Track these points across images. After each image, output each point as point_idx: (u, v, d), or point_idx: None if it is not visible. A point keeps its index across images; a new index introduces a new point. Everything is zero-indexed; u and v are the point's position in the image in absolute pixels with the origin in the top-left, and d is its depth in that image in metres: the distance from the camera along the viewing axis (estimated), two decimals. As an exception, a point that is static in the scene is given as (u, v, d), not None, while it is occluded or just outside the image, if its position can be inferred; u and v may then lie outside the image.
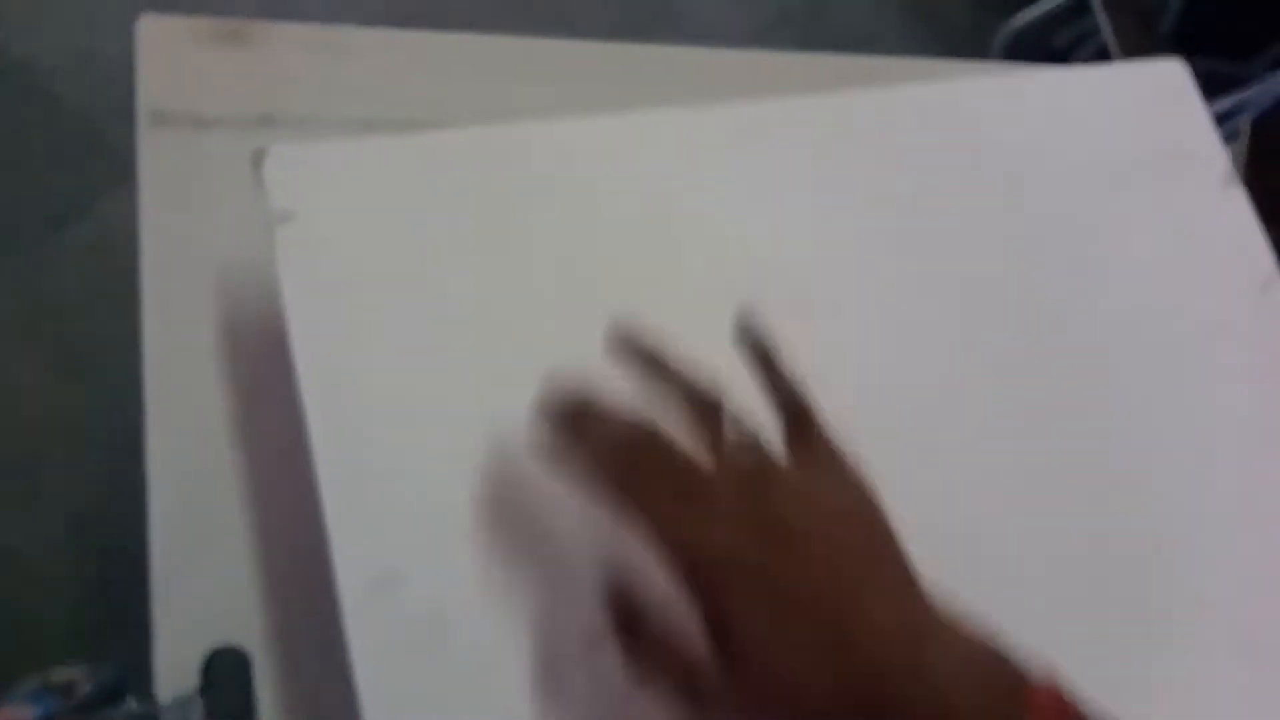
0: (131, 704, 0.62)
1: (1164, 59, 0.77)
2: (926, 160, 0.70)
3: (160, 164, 0.71)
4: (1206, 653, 0.63)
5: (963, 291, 0.68)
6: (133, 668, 0.63)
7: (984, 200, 0.70)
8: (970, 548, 0.59)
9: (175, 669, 0.60)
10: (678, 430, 0.50)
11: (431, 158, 0.63)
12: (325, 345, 0.57)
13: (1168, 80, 0.77)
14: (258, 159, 0.59)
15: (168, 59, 0.73)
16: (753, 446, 0.50)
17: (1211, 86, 1.85)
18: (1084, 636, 0.59)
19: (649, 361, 0.53)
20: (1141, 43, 1.94)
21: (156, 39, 0.73)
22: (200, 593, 0.64)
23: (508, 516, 0.57)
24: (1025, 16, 2.13)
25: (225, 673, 0.60)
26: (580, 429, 0.50)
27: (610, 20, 1.99)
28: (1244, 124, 1.79)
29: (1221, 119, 1.80)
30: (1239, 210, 0.72)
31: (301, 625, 0.64)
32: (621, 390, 0.54)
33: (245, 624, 0.62)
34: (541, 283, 0.62)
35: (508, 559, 0.55)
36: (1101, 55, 2.01)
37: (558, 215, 0.63)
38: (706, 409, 0.51)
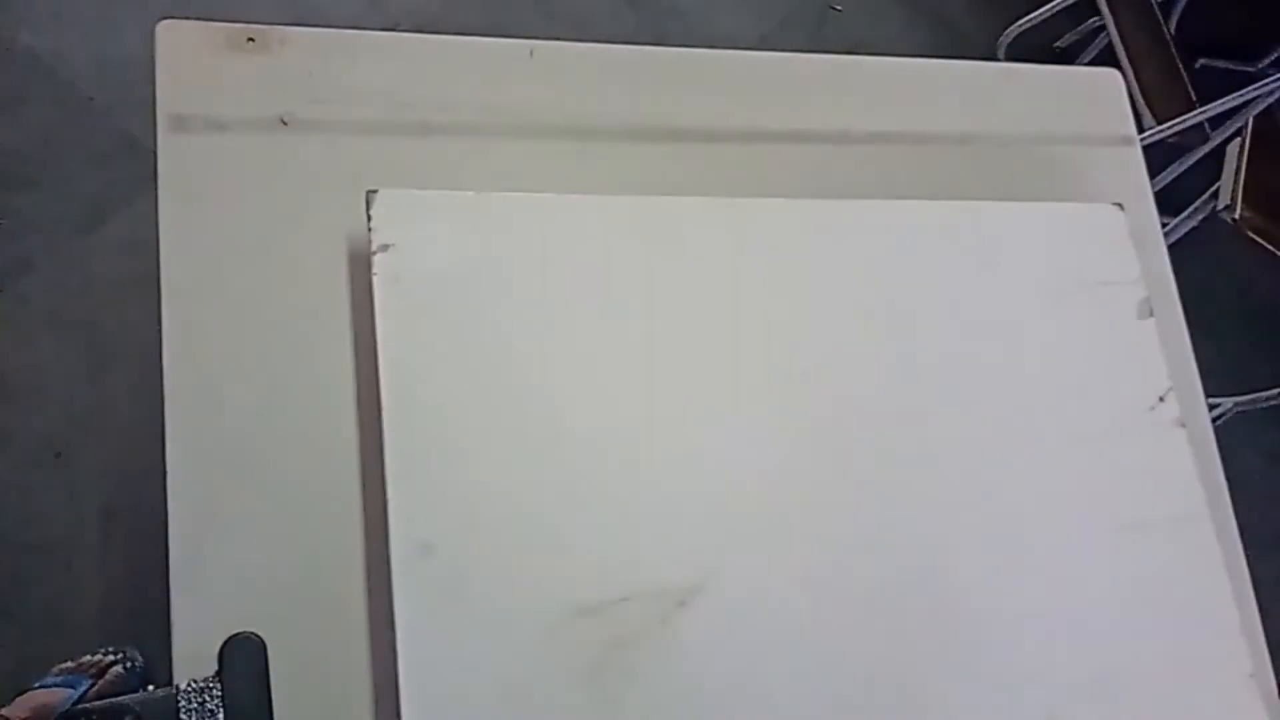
0: (150, 690, 0.63)
1: (1103, 205, 0.90)
2: (887, 271, 0.82)
3: (179, 166, 0.73)
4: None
5: (898, 379, 0.80)
6: (160, 649, 0.64)
7: (931, 308, 0.82)
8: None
9: (194, 656, 0.62)
10: None
11: (507, 214, 0.75)
12: (406, 351, 0.68)
13: (1106, 221, 0.89)
14: (369, 198, 0.71)
15: (186, 63, 0.75)
16: None
17: (1215, 85, 1.86)
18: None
19: None
20: (1147, 43, 1.95)
21: (175, 44, 0.74)
22: (218, 582, 0.65)
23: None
24: (1030, 19, 2.14)
25: (242, 659, 0.61)
26: None
27: (625, 26, 2.01)
28: (1246, 122, 1.79)
29: (1224, 117, 1.80)
30: (1147, 337, 0.86)
31: (315, 613, 0.66)
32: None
33: (262, 612, 0.63)
34: (563, 327, 0.73)
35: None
36: (1106, 56, 2.01)
37: (589, 278, 0.75)
38: None
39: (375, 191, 0.71)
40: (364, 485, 0.69)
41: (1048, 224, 0.88)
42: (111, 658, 1.19)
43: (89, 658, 1.19)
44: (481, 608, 0.66)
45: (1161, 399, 0.84)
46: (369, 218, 0.70)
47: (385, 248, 0.70)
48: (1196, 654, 0.77)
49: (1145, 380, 0.84)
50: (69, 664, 1.18)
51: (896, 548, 0.75)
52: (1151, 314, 0.86)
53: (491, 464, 0.69)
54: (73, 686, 1.09)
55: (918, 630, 0.73)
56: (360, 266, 0.72)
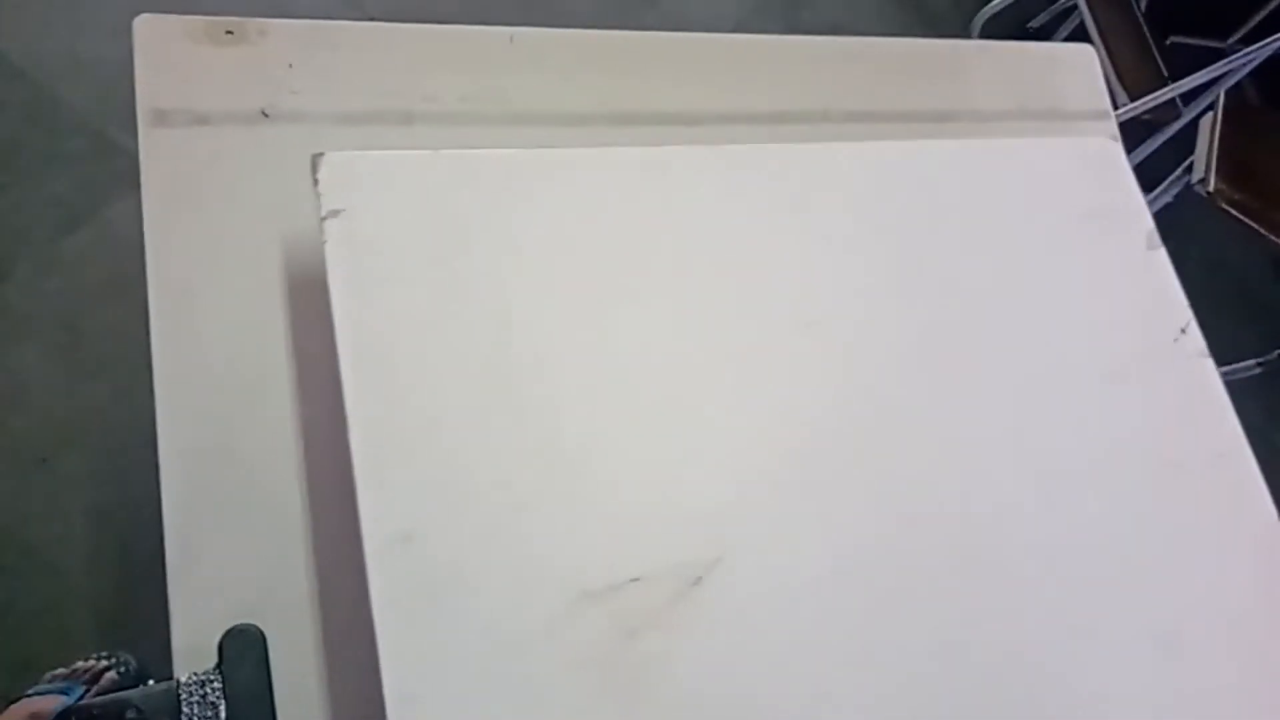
0: (151, 684, 0.63)
1: (1097, 137, 0.89)
2: (888, 211, 0.79)
3: (161, 161, 0.72)
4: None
5: (911, 327, 0.76)
6: (154, 653, 0.64)
7: (937, 250, 0.79)
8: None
9: (193, 650, 0.62)
10: None
11: (460, 172, 0.70)
12: (363, 323, 0.64)
13: (1103, 154, 0.88)
14: (315, 163, 0.66)
15: (165, 58, 0.74)
16: None
17: (1187, 62, 1.88)
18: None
19: None
20: (1119, 21, 1.96)
21: (153, 38, 0.74)
22: (214, 576, 0.65)
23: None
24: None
25: (241, 651, 0.61)
26: None
27: (600, 15, 2.01)
28: (1218, 97, 1.81)
29: (1196, 92, 1.82)
30: (1161, 268, 0.84)
31: (314, 604, 0.66)
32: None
33: (259, 605, 0.64)
34: (545, 289, 0.69)
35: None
36: (1079, 36, 2.03)
37: (562, 235, 0.71)
38: None
39: (321, 155, 0.66)
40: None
41: (1042, 160, 0.86)
42: (105, 663, 1.18)
43: (82, 663, 1.18)
44: (471, 600, 0.60)
45: (1183, 330, 0.81)
46: (316, 183, 0.66)
47: (336, 213, 0.65)
48: (1251, 595, 0.74)
49: (1165, 311, 0.81)
50: (62, 670, 1.18)
51: (925, 505, 0.70)
52: (1161, 244, 0.83)
53: (472, 440, 0.63)
54: (66, 693, 1.08)
55: (953, 589, 0.69)
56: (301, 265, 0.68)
